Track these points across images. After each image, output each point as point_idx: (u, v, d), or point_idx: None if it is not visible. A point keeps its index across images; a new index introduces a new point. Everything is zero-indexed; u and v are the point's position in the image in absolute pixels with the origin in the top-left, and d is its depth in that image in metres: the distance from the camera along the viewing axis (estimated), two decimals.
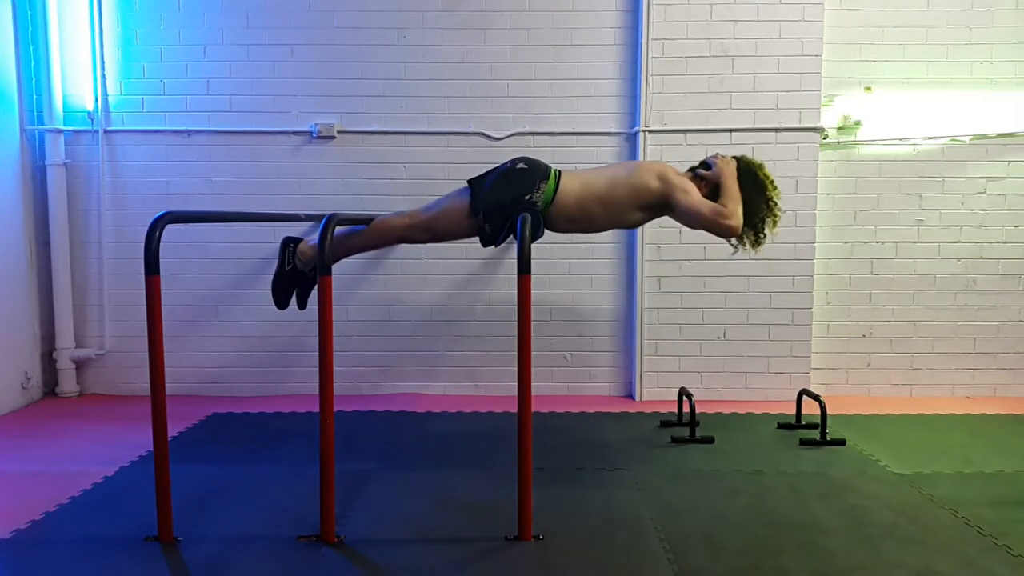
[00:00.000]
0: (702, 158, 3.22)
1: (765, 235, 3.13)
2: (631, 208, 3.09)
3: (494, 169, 3.11)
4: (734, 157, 3.13)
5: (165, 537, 2.52)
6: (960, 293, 4.49)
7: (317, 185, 4.40)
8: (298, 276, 3.22)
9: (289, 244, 3.23)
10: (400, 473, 3.19)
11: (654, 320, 4.39)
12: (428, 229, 3.13)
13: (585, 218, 3.10)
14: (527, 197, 2.99)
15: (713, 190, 3.07)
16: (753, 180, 3.08)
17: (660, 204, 3.07)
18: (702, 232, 4.34)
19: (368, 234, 3.19)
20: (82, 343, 4.47)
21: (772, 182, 3.11)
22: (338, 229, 3.25)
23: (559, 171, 3.10)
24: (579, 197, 3.04)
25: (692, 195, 3.00)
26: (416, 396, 4.45)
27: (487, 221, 3.01)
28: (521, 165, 3.07)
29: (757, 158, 3.19)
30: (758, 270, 4.36)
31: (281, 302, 3.26)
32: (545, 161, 3.16)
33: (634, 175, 3.06)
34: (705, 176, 3.11)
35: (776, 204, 3.11)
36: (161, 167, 4.42)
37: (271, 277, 3.26)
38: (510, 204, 2.98)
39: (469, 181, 3.09)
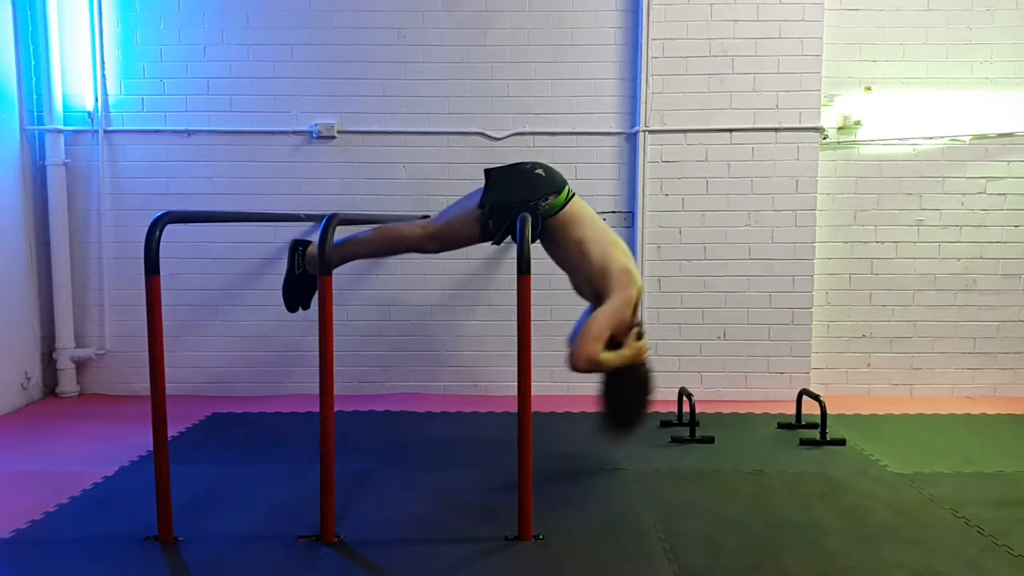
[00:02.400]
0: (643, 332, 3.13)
1: (612, 435, 3.13)
2: (588, 276, 3.06)
3: (515, 164, 3.17)
4: (647, 368, 3.07)
5: (165, 537, 2.52)
6: (960, 293, 4.49)
7: (317, 185, 4.40)
8: (308, 279, 3.23)
9: (298, 248, 3.23)
10: (400, 473, 3.19)
11: (654, 320, 4.39)
12: (439, 238, 3.17)
13: (561, 245, 3.12)
14: (532, 203, 3.01)
15: (616, 346, 3.01)
16: (639, 383, 3.03)
17: (597, 296, 3.04)
18: (702, 232, 4.39)
19: (377, 243, 3.22)
20: (82, 343, 4.47)
21: (645, 406, 3.07)
22: (347, 235, 3.26)
23: (574, 194, 3.13)
24: (569, 226, 3.07)
25: (608, 319, 2.92)
26: (416, 396, 4.45)
27: (491, 216, 3.04)
28: (539, 171, 3.11)
29: (654, 383, 3.10)
30: (758, 270, 4.36)
31: (292, 306, 3.27)
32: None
33: (615, 262, 3.01)
34: (627, 337, 3.02)
35: (638, 419, 3.08)
36: (161, 167, 4.41)
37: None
38: (514, 204, 3.00)
39: (486, 170, 3.13)
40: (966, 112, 4.39)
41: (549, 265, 4.37)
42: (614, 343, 2.99)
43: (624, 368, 2.99)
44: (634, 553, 2.46)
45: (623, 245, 3.15)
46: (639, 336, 3.06)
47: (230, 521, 2.70)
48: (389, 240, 3.22)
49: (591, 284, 3.07)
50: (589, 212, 3.15)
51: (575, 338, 2.96)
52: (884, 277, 4.49)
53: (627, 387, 3.02)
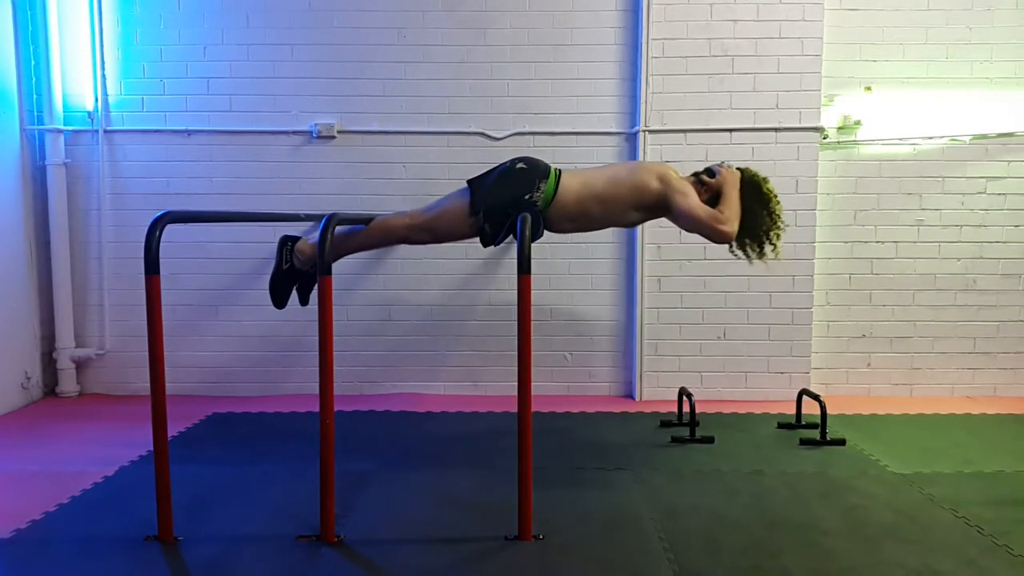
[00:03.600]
0: (706, 165, 3.22)
1: (773, 246, 3.15)
2: (629, 208, 3.10)
3: (494, 169, 3.11)
4: (739, 168, 3.14)
5: (165, 537, 2.53)
6: (960, 293, 4.49)
7: (317, 185, 4.40)
8: (296, 275, 3.22)
9: (287, 243, 3.22)
10: (400, 473, 3.19)
11: (654, 320, 4.39)
12: (429, 230, 3.14)
13: (583, 216, 3.11)
14: (527, 197, 3.00)
15: (713, 198, 3.08)
16: (756, 192, 3.11)
17: (658, 205, 3.09)
18: None
19: (368, 234, 3.19)
20: (82, 343, 4.47)
21: (775, 196, 3.13)
22: (338, 229, 3.25)
23: (559, 170, 3.10)
24: (578, 196, 3.05)
25: (691, 198, 3.02)
26: (416, 396, 4.45)
27: (487, 221, 3.01)
28: (521, 165, 3.08)
29: (761, 172, 3.18)
30: (758, 270, 4.34)
31: (279, 301, 3.25)
32: (545, 161, 3.16)
33: (635, 175, 3.07)
34: (707, 183, 3.11)
35: (780, 217, 3.14)
36: (161, 167, 4.42)
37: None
38: (510, 204, 2.99)
39: (469, 181, 3.10)
40: (966, 112, 4.39)
41: (549, 265, 4.41)
42: (713, 201, 3.07)
43: (741, 197, 3.07)
44: (634, 553, 2.46)
45: (620, 166, 3.32)
46: (710, 173, 3.12)
47: (230, 521, 2.70)
48: (378, 231, 3.19)
49: (644, 209, 3.12)
50: (582, 176, 3.12)
51: (699, 229, 3.04)
52: (884, 277, 4.49)
53: (750, 205, 3.08)
